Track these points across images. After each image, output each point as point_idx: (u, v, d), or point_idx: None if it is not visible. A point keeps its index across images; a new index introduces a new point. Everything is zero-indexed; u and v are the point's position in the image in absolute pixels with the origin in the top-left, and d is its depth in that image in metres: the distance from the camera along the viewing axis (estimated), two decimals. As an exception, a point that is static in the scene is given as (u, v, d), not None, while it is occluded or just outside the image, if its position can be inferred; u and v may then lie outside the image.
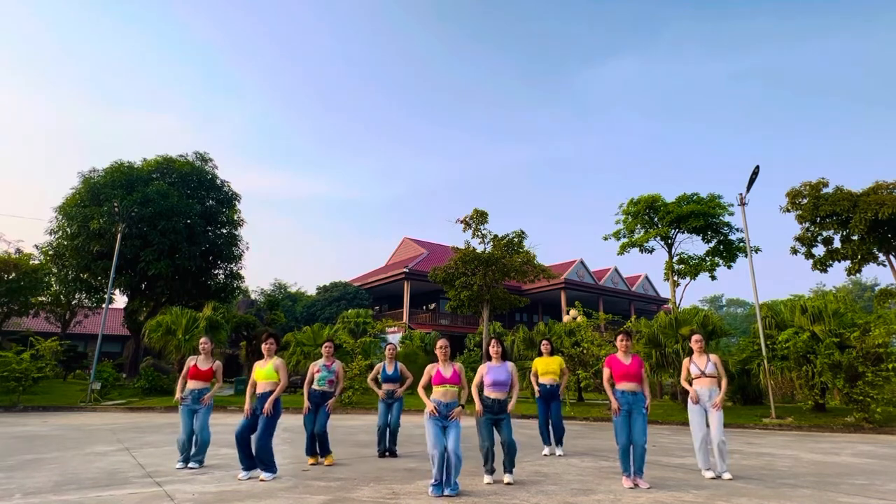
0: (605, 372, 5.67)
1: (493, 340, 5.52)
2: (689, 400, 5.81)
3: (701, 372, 5.78)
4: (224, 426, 10.52)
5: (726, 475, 5.58)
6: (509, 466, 5.30)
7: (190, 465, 6.07)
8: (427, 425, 4.98)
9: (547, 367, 7.56)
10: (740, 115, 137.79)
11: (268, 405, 5.37)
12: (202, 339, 6.52)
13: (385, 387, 7.29)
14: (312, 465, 6.31)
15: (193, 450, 6.12)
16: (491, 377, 5.32)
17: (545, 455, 7.25)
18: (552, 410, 7.47)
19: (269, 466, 5.38)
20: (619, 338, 5.64)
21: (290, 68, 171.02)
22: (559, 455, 7.27)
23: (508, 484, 5.16)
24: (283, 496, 4.64)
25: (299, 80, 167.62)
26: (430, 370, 5.26)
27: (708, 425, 5.67)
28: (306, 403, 6.51)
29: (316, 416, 6.50)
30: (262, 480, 5.26)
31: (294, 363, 19.22)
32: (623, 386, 5.41)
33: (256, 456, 5.35)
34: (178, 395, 6.24)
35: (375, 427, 7.23)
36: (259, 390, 5.62)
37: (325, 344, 6.86)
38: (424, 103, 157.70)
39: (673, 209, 20.40)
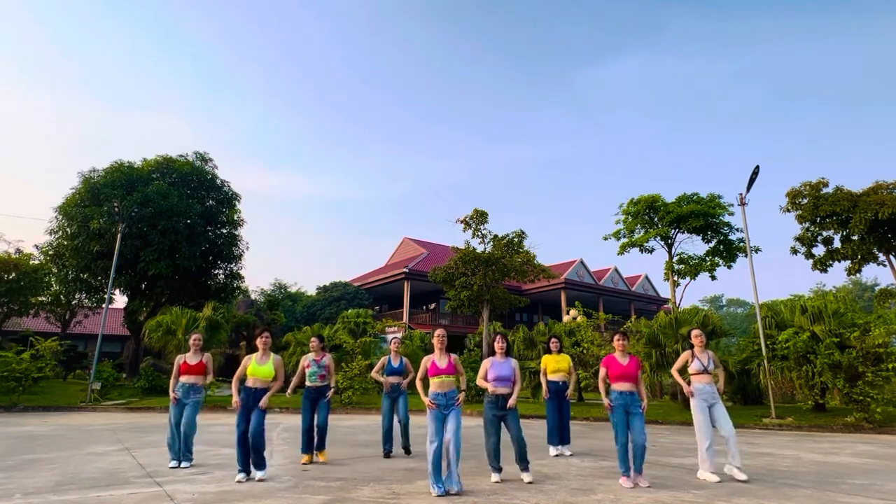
0: (602, 371, 5.65)
1: (497, 336, 5.55)
2: (691, 397, 5.66)
3: (704, 368, 5.71)
4: (224, 426, 10.53)
5: (742, 475, 5.39)
6: (523, 464, 5.28)
7: (182, 464, 6.09)
8: (428, 419, 5.01)
9: (557, 365, 7.41)
10: (741, 114, 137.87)
11: (264, 401, 5.37)
12: (193, 336, 6.51)
13: (390, 379, 7.29)
14: (306, 463, 6.28)
15: (182, 447, 6.13)
16: (494, 372, 5.36)
17: (555, 456, 7.07)
18: (564, 409, 7.28)
19: (263, 461, 5.37)
20: (616, 338, 5.68)
21: (290, 68, 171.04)
22: (569, 455, 7.14)
23: (530, 483, 5.16)
24: (283, 496, 4.64)
25: (299, 80, 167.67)
26: (425, 363, 5.27)
27: (713, 425, 5.58)
28: (289, 391, 6.71)
29: (313, 411, 6.54)
30: (260, 480, 5.24)
31: (294, 363, 19.19)
32: (620, 386, 5.41)
33: (253, 447, 5.28)
34: (171, 394, 6.28)
35: (381, 427, 7.17)
36: (255, 385, 5.48)
37: (311, 339, 6.81)
38: (425, 103, 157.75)
39: (673, 209, 20.41)
